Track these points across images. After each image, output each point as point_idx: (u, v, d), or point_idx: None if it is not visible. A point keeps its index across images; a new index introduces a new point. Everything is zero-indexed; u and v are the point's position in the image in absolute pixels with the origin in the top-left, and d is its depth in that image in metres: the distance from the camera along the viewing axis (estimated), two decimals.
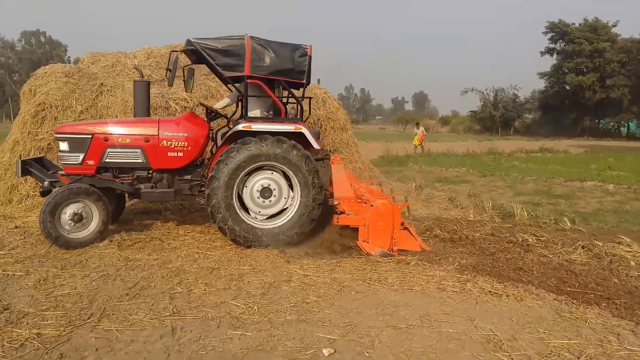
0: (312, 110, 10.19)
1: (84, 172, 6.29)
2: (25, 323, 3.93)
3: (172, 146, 6.33)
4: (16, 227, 6.90)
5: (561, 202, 10.32)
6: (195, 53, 6.17)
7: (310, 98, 7.66)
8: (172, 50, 6.27)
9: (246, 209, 6.26)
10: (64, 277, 5.02)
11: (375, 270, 5.41)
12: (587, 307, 4.53)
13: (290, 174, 6.18)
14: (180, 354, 3.51)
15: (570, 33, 56.52)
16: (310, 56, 6.39)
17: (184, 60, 7.18)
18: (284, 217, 6.26)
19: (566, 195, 11.26)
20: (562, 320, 4.25)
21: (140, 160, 6.35)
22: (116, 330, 3.84)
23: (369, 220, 5.84)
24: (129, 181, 6.45)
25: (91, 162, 6.28)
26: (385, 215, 5.84)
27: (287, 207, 6.30)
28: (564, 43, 57.91)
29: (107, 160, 6.33)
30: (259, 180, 6.23)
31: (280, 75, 6.30)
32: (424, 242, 6.46)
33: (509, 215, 8.38)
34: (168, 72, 6.32)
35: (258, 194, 6.22)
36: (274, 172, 6.25)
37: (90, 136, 6.26)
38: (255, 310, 4.28)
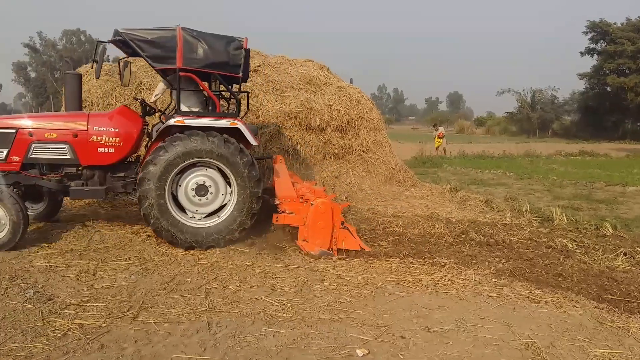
0: (345, 110, 10.23)
1: (8, 168, 6.01)
2: (67, 314, 4.06)
3: (103, 142, 6.02)
4: (58, 221, 7.14)
5: (602, 207, 10.00)
6: (126, 44, 5.97)
7: (247, 92, 7.49)
8: (99, 41, 5.95)
9: (183, 208, 6.05)
10: (105, 270, 5.17)
11: (409, 272, 5.37)
12: (630, 316, 4.37)
13: (225, 169, 5.98)
14: (216, 348, 3.56)
15: (611, 33, 54.60)
16: (247, 49, 6.13)
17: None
18: (223, 214, 6.07)
19: (607, 200, 10.89)
20: (603, 329, 4.12)
21: (68, 157, 6.06)
22: (154, 323, 3.93)
23: (308, 220, 5.80)
24: (57, 178, 6.15)
25: (16, 158, 5.98)
26: (325, 214, 5.79)
27: (226, 204, 6.11)
28: (605, 43, 55.98)
29: (32, 156, 6.01)
30: (193, 178, 6.01)
31: (214, 69, 6.03)
32: (460, 244, 6.38)
33: (548, 219, 8.17)
34: (94, 63, 6.02)
35: (193, 192, 6.01)
36: (208, 169, 6.05)
37: (14, 131, 5.97)
38: (289, 308, 4.31)
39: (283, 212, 5.96)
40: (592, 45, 58.08)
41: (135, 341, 3.63)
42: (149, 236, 6.31)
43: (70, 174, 6.21)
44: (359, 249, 6.00)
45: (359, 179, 9.81)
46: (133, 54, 6.49)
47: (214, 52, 5.94)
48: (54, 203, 7.01)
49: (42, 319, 3.92)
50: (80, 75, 6.69)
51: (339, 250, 5.87)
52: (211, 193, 6.06)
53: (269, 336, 3.77)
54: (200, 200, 6.04)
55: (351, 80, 12.34)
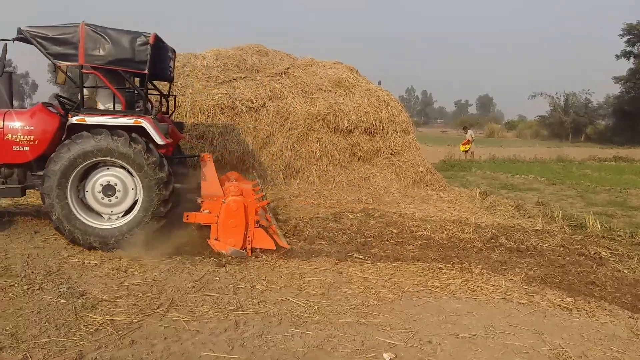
0: (373, 112, 10.21)
1: None
2: (99, 309, 4.16)
3: (17, 140, 5.88)
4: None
5: (637, 215, 9.69)
6: (30, 42, 5.79)
7: (169, 95, 7.44)
8: (1, 39, 5.80)
9: (95, 212, 5.92)
10: (135, 267, 5.28)
11: (437, 277, 5.32)
12: None
13: (130, 169, 5.78)
14: (244, 348, 3.60)
15: None
16: (154, 45, 5.84)
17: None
18: (128, 216, 5.87)
19: None
20: (637, 339, 4.00)
21: None
22: (183, 320, 4.00)
23: (220, 218, 5.66)
24: None
25: None
26: (237, 213, 5.63)
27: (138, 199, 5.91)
28: None
29: None
30: (100, 178, 5.85)
31: (118, 65, 5.82)
32: (490, 250, 6.28)
33: (580, 226, 7.97)
34: None
35: (101, 194, 5.83)
36: (113, 168, 5.88)
37: None
38: (315, 309, 4.32)
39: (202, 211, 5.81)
40: (628, 48, 56.36)
41: (165, 338, 3.70)
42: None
43: None
44: (274, 248, 5.83)
45: (387, 181, 9.77)
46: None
47: (117, 48, 5.74)
48: None
49: (75, 314, 4.03)
50: (10, 73, 6.60)
51: (254, 250, 5.77)
52: (119, 191, 5.87)
53: (296, 337, 3.79)
54: (110, 200, 5.88)
55: (379, 83, 12.32)
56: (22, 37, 5.78)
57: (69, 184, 5.66)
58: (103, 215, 5.91)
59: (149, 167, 5.69)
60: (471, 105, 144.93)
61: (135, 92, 6.51)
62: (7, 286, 4.55)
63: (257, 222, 5.82)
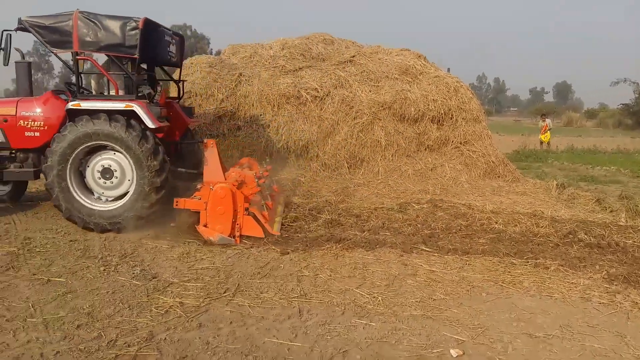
0: (442, 100, 9.88)
1: None
2: (170, 292, 4.31)
3: (29, 126, 6.26)
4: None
5: None
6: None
7: (180, 80, 7.45)
8: (4, 30, 6.07)
9: (89, 190, 6.15)
10: (204, 252, 5.42)
11: (509, 272, 5.06)
12: None
13: (125, 154, 5.91)
14: (307, 336, 3.58)
15: None
16: (143, 29, 5.90)
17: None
18: (122, 200, 6.03)
19: None
20: None
21: (0, 140, 6.40)
22: (249, 306, 4.05)
23: (208, 205, 5.60)
24: None
25: None
26: (225, 200, 5.56)
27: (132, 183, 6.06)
28: None
29: None
30: (100, 161, 6.06)
31: (109, 51, 6.00)
32: (567, 245, 5.91)
33: None
34: (1, 51, 6.13)
35: (99, 175, 6.05)
36: (116, 153, 6.04)
37: None
38: (379, 301, 4.23)
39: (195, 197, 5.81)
40: None
41: (231, 322, 3.76)
42: None
43: (5, 157, 6.56)
44: (263, 237, 5.77)
45: (455, 172, 9.43)
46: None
47: (108, 34, 5.88)
48: (18, 185, 7.32)
49: (147, 296, 4.19)
50: (29, 63, 6.93)
51: (242, 237, 5.72)
52: (116, 177, 6.07)
53: (359, 328, 3.73)
54: (105, 183, 6.08)
55: (448, 70, 11.90)
56: (23, 27, 6.02)
57: (68, 165, 5.90)
58: (94, 194, 6.13)
59: (143, 154, 5.82)
60: (547, 92, 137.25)
61: (140, 76, 6.66)
62: (85, 267, 4.82)
63: (247, 209, 5.77)
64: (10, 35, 6.05)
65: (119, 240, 5.68)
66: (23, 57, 6.51)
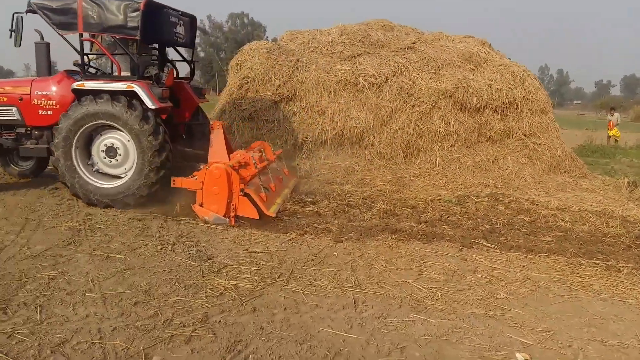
0: (507, 89, 9.42)
1: None
2: (224, 274, 4.30)
3: (42, 104, 6.50)
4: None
5: None
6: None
7: (192, 61, 7.64)
8: (15, 12, 6.25)
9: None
10: (258, 236, 5.40)
11: (577, 273, 4.72)
12: None
13: (126, 133, 6.03)
14: (362, 328, 3.46)
15: None
16: (145, 11, 5.90)
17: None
18: (124, 178, 6.16)
19: None
20: None
21: (15, 118, 6.65)
22: (302, 293, 3.97)
23: (204, 184, 5.64)
24: (12, 137, 6.79)
25: None
26: (220, 180, 5.57)
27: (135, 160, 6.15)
28: None
29: None
30: (105, 140, 6.21)
31: (111, 32, 6.08)
32: None
33: None
34: (12, 33, 6.31)
35: (104, 154, 6.20)
36: (119, 132, 6.13)
37: None
38: (438, 296, 4.05)
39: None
40: None
41: (285, 309, 3.69)
42: (298, 212, 6.46)
43: (21, 134, 6.80)
44: (258, 218, 5.70)
45: (518, 165, 8.97)
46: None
47: (111, 15, 5.94)
48: (39, 161, 7.56)
49: (202, 277, 4.19)
50: (48, 44, 6.98)
51: (237, 218, 5.73)
52: (120, 155, 6.20)
53: (417, 323, 3.57)
54: (110, 161, 6.23)
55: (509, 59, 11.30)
56: (32, 10, 6.13)
57: (73, 143, 6.09)
58: (110, 174, 6.28)
59: (142, 132, 5.91)
60: (614, 86, 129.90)
61: (152, 58, 6.82)
62: (143, 245, 4.90)
63: (242, 190, 5.70)
64: (22, 17, 6.27)
65: (176, 221, 5.74)
66: (42, 38, 6.71)
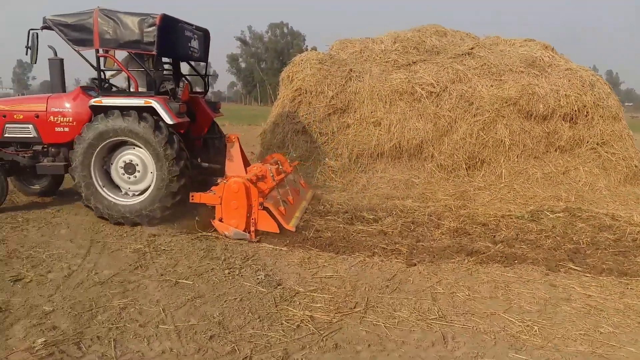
0: (576, 95, 8.86)
1: None
2: (297, 302, 4.04)
3: (59, 121, 6.43)
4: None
5: None
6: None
7: (206, 75, 7.58)
8: (30, 29, 6.20)
9: (116, 186, 6.25)
10: (324, 257, 5.14)
11: None
12: None
13: (142, 147, 5.97)
14: None
15: None
16: (161, 26, 5.82)
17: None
18: (147, 193, 6.05)
19: None
20: None
21: (32, 135, 6.57)
22: (384, 326, 3.67)
23: (223, 199, 5.56)
24: (29, 155, 6.70)
25: None
26: (239, 194, 5.49)
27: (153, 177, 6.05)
28: None
29: (7, 135, 6.65)
30: (122, 157, 6.14)
31: (127, 47, 6.01)
32: None
33: None
34: (28, 50, 6.25)
35: (122, 171, 6.14)
36: (136, 147, 6.07)
37: None
38: (535, 331, 3.66)
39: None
40: None
41: (369, 345, 3.40)
42: (363, 230, 6.17)
43: (38, 151, 6.72)
44: (278, 232, 5.61)
45: (592, 176, 8.36)
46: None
47: (127, 31, 5.88)
48: (55, 179, 7.51)
49: (275, 306, 3.95)
50: (61, 60, 6.90)
51: (257, 232, 5.63)
52: (139, 171, 6.12)
53: None
54: (129, 178, 6.16)
55: None
56: (47, 26, 6.09)
57: (91, 164, 6.05)
58: (121, 190, 6.24)
59: (158, 145, 5.84)
60: None
61: (166, 73, 6.81)
62: (210, 269, 4.72)
63: (261, 204, 5.58)
64: (37, 34, 6.25)
65: (239, 241, 5.54)
66: (56, 54, 6.69)
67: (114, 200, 6.11)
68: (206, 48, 7.33)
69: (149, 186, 6.09)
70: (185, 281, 4.38)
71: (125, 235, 5.73)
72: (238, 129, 24.21)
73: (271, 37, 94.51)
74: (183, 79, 7.44)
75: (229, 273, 4.61)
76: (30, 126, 6.58)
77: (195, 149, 7.11)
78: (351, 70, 9.78)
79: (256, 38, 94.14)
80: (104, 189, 6.16)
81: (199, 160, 7.08)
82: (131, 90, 6.44)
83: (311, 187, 7.99)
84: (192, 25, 6.82)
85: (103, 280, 4.35)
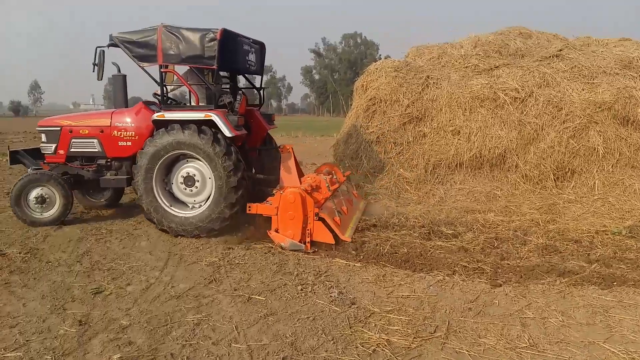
0: None
1: (57, 160, 6.94)
2: (373, 324, 3.84)
3: (122, 136, 6.63)
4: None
5: None
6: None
7: (261, 87, 7.61)
8: (97, 46, 6.39)
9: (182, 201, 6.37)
10: (400, 275, 4.91)
11: None
12: None
13: (201, 159, 6.08)
14: None
15: None
16: (221, 40, 5.93)
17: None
18: (205, 205, 6.15)
19: None
20: None
21: (97, 150, 6.77)
22: (469, 354, 3.38)
23: (279, 210, 5.55)
24: (94, 169, 6.87)
25: (62, 152, 6.89)
26: (295, 205, 5.48)
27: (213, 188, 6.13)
28: None
29: (73, 149, 6.86)
30: (182, 170, 6.26)
31: (190, 62, 6.15)
32: None
33: None
34: (95, 67, 6.42)
35: (183, 184, 6.24)
36: (194, 160, 6.21)
37: (59, 128, 6.87)
38: None
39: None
40: None
41: None
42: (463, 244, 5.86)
43: (102, 165, 6.91)
44: (334, 242, 5.56)
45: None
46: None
47: (189, 46, 6.01)
48: (116, 192, 7.84)
49: (350, 327, 3.78)
50: (124, 76, 6.94)
51: (313, 243, 5.60)
52: (198, 181, 6.22)
53: None
54: (191, 190, 6.26)
55: None
56: (114, 43, 6.30)
57: (154, 178, 6.17)
58: (188, 205, 6.35)
59: (217, 157, 5.93)
60: None
61: (223, 87, 6.98)
62: (282, 284, 4.64)
63: (317, 214, 5.53)
64: (104, 51, 6.46)
65: (311, 256, 5.44)
66: (119, 71, 6.88)
67: (174, 213, 6.24)
68: (262, 61, 7.46)
69: (209, 196, 6.20)
70: (258, 297, 4.33)
71: (201, 247, 5.81)
72: (311, 140, 24.46)
73: (345, 47, 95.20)
74: (240, 92, 7.58)
75: (301, 289, 4.50)
76: (95, 141, 6.82)
77: (250, 161, 7.24)
78: (428, 77, 9.48)
79: (330, 49, 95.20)
80: (165, 202, 6.28)
81: (253, 171, 7.22)
82: (192, 104, 6.65)
83: (363, 198, 7.89)
84: (249, 38, 6.96)
85: (179, 294, 4.40)
